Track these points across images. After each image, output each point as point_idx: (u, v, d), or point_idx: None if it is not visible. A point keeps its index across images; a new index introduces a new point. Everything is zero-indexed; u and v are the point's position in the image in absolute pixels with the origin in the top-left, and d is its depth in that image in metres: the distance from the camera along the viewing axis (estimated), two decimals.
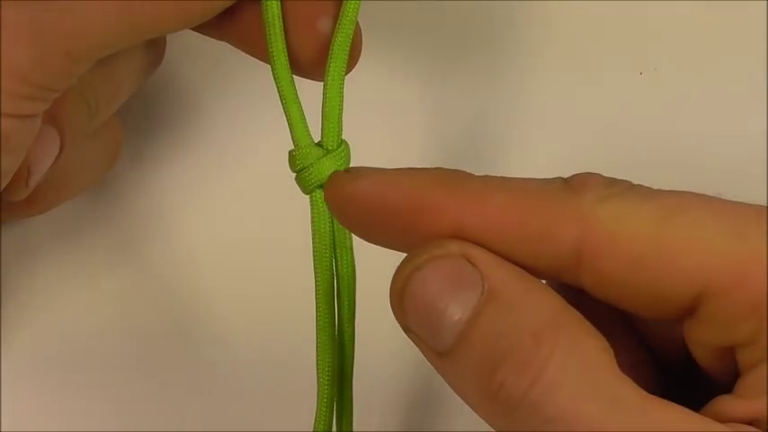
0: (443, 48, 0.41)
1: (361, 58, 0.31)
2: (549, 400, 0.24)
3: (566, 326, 0.25)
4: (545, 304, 0.25)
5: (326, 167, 0.30)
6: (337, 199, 0.27)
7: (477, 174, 0.27)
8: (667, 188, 0.26)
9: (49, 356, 0.37)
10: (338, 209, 0.27)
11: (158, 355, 0.37)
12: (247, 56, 0.31)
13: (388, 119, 0.40)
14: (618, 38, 0.42)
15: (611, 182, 0.26)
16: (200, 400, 0.36)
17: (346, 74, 0.30)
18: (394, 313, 0.26)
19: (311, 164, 0.30)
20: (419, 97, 0.41)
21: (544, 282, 0.26)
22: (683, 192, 0.25)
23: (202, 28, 0.31)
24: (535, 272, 0.26)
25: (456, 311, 0.25)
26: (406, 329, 0.26)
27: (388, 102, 0.40)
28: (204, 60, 0.40)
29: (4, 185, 0.29)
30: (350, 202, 0.27)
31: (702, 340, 0.26)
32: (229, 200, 0.39)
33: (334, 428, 0.31)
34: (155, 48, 0.33)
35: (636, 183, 0.26)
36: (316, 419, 0.30)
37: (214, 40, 0.32)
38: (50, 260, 0.38)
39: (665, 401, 0.24)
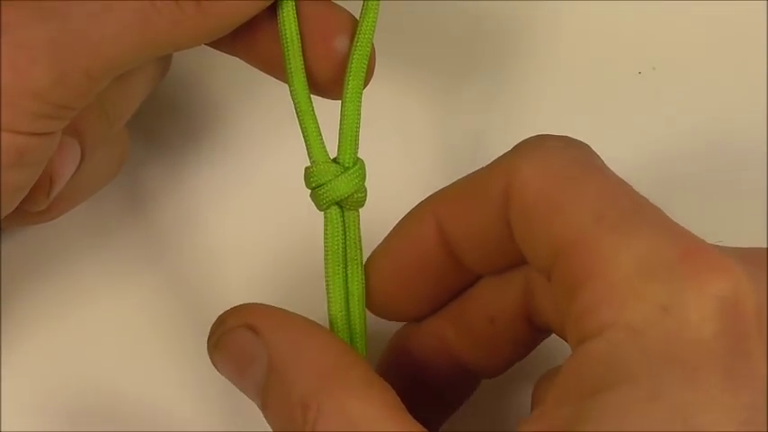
0: (448, 59, 0.41)
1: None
2: None
3: (329, 389, 0.26)
4: (312, 368, 0.27)
5: (343, 186, 0.30)
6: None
7: None
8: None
9: (50, 356, 0.37)
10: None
11: (164, 360, 0.37)
12: None
13: (395, 134, 0.40)
14: (616, 37, 0.42)
15: (541, 145, 0.28)
16: (211, 404, 0.36)
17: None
18: None
19: (328, 181, 0.30)
20: (427, 111, 0.41)
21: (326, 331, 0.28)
22: (594, 167, 0.27)
23: (217, 44, 0.31)
24: (491, 231, 0.28)
25: (252, 383, 0.28)
26: None
27: (395, 117, 0.40)
28: (226, 71, 0.40)
29: (21, 198, 0.30)
30: None
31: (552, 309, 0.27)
32: (242, 216, 0.39)
33: None
34: (166, 56, 0.33)
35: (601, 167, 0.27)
36: None
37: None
38: (54, 266, 0.38)
39: None
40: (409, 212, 0.30)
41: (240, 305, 0.29)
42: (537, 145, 0.28)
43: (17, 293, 0.37)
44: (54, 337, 0.37)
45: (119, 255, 0.38)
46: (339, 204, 0.30)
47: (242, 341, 0.28)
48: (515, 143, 0.29)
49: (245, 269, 0.38)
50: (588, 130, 0.40)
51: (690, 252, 0.24)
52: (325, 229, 0.30)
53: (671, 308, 0.23)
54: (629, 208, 0.25)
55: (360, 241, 0.30)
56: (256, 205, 0.39)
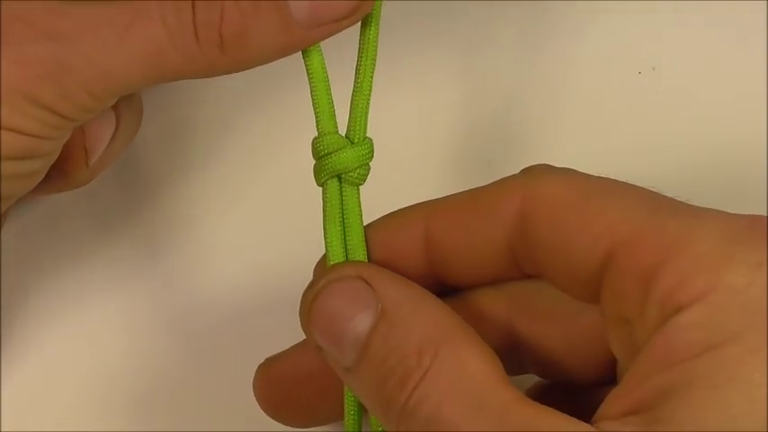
0: (450, 57, 0.41)
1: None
2: (424, 408, 0.25)
3: (448, 340, 0.26)
4: (432, 320, 0.27)
5: (349, 157, 0.29)
6: None
7: None
8: (665, 188, 0.27)
9: (50, 355, 0.37)
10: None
11: (160, 359, 0.37)
12: None
13: (413, 109, 0.40)
14: (616, 37, 0.42)
15: (555, 168, 0.28)
16: (216, 402, 0.36)
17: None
18: (306, 335, 0.29)
19: (335, 151, 0.29)
20: (444, 89, 0.41)
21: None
22: (617, 180, 0.28)
23: None
24: (486, 247, 0.28)
25: (355, 331, 0.27)
26: (318, 349, 0.28)
27: (414, 92, 0.40)
28: None
29: (38, 180, 0.30)
30: None
31: (608, 314, 0.27)
32: (242, 212, 0.39)
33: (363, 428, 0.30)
34: None
35: (621, 180, 0.28)
36: (345, 419, 0.30)
37: None
38: (54, 264, 0.38)
39: (541, 406, 0.25)
40: (397, 213, 0.30)
41: (354, 261, 0.29)
42: (550, 167, 0.29)
43: (17, 291, 0.37)
44: (54, 334, 0.37)
45: (120, 252, 0.38)
46: (339, 178, 0.30)
47: (355, 289, 0.28)
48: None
49: (242, 266, 0.38)
50: (588, 130, 0.41)
51: (755, 223, 0.25)
52: (324, 202, 0.30)
53: (766, 264, 0.24)
54: (676, 201, 0.27)
55: (360, 211, 0.30)
56: (257, 201, 0.39)
